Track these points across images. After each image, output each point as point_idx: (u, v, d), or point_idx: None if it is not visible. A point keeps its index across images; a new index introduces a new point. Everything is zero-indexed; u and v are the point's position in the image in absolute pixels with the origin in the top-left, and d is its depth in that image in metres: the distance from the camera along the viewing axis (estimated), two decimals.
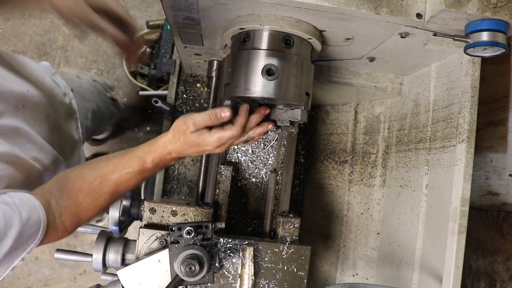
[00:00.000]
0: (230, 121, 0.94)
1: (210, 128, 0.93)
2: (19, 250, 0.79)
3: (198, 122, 0.91)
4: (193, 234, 0.91)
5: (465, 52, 0.88)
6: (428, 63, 1.15)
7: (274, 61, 0.92)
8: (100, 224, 1.25)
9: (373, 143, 1.47)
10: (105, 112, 1.69)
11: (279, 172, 1.14)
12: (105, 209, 1.02)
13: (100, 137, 2.25)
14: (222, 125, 0.94)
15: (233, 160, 1.18)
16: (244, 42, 0.96)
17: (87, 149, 2.29)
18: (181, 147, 0.94)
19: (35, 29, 2.33)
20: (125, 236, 1.19)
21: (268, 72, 0.91)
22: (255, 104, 1.00)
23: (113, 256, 0.99)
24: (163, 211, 1.01)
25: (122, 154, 0.95)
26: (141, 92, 2.06)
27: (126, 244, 1.01)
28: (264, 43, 0.94)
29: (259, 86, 0.92)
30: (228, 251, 0.98)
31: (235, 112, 0.94)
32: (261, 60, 0.92)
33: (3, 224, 0.73)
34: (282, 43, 0.93)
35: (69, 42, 2.33)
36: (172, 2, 0.87)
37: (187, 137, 0.92)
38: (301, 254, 1.00)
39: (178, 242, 0.91)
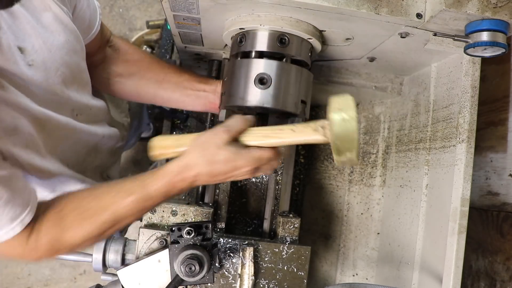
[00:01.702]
0: None
1: None
2: None
3: (233, 129, 0.77)
4: (193, 234, 0.91)
5: (465, 52, 0.88)
6: (428, 63, 1.15)
7: (267, 69, 0.91)
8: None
9: (373, 143, 1.47)
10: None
11: (279, 172, 1.14)
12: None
13: (144, 135, 2.21)
14: None
15: None
16: (240, 42, 0.96)
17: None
18: (204, 171, 0.76)
19: None
20: (125, 236, 1.19)
21: (260, 81, 0.90)
22: (251, 113, 0.99)
23: (113, 256, 0.99)
24: (163, 211, 1.01)
25: (126, 179, 0.82)
26: None
27: (126, 244, 1.01)
28: (259, 43, 0.93)
29: (253, 95, 0.91)
30: (228, 251, 0.98)
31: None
32: (254, 68, 0.92)
33: None
34: (277, 43, 0.92)
35: None
36: (172, 2, 0.87)
37: (219, 152, 0.75)
38: (301, 254, 1.00)
39: (178, 242, 0.91)
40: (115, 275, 0.97)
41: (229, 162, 0.76)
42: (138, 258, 0.97)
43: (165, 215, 1.01)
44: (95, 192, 0.82)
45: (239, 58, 0.96)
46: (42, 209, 0.79)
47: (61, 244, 0.79)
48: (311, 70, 1.00)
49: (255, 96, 0.91)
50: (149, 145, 0.84)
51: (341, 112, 0.71)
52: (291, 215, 1.08)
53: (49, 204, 0.81)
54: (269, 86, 0.90)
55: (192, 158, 0.77)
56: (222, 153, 0.75)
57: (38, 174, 0.85)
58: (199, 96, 1.07)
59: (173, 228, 0.92)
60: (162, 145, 0.84)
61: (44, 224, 0.77)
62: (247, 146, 0.78)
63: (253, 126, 0.81)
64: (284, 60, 0.93)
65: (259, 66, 0.91)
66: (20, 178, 0.77)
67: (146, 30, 2.14)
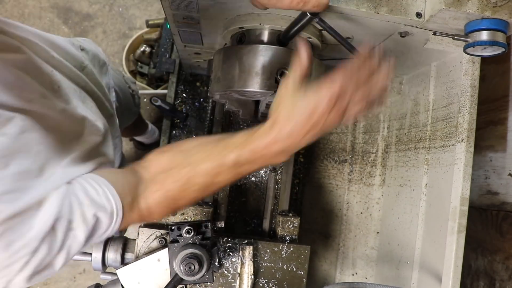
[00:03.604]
0: None
1: None
2: (94, 234, 0.70)
3: (293, 75, 0.72)
4: (192, 233, 0.91)
5: (464, 51, 0.88)
6: (427, 62, 1.15)
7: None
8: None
9: (372, 143, 1.47)
10: (125, 100, 1.51)
11: (279, 171, 1.14)
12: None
13: (147, 141, 2.22)
14: None
15: None
16: (240, 41, 0.96)
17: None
18: (288, 125, 0.70)
19: (34, 28, 2.32)
20: (124, 235, 1.19)
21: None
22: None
23: (113, 255, 0.99)
24: None
25: (217, 142, 0.79)
26: (140, 91, 2.05)
27: (126, 243, 1.01)
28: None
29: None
30: (228, 250, 0.98)
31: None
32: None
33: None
34: (277, 42, 0.92)
35: None
36: (172, 1, 0.87)
37: (292, 100, 0.70)
38: (301, 253, 1.00)
39: (177, 241, 0.91)
40: (115, 274, 0.97)
41: (306, 102, 0.69)
42: (137, 257, 0.97)
43: None
44: (189, 159, 0.79)
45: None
46: (142, 180, 0.78)
47: (173, 209, 0.82)
48: None
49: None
50: None
51: None
52: (290, 214, 1.08)
53: (148, 171, 0.79)
54: None
55: (273, 117, 0.73)
56: (295, 97, 0.71)
57: None
58: None
59: (173, 227, 0.92)
60: None
61: (151, 201, 0.77)
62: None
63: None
64: None
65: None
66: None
67: (146, 29, 2.14)
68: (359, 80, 0.70)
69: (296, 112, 0.70)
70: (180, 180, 0.77)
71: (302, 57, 0.72)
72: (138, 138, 2.18)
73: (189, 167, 0.77)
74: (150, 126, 2.11)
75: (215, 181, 0.78)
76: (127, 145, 2.27)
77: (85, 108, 0.91)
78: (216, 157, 0.76)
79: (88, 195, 0.68)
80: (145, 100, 2.22)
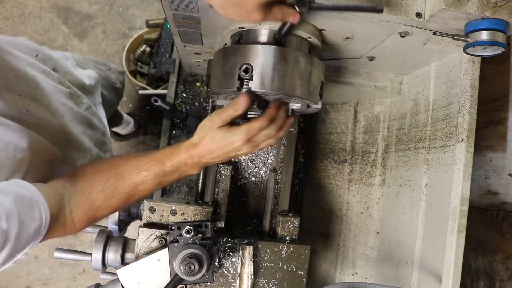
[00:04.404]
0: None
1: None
2: (19, 250, 0.75)
3: (224, 114, 0.86)
4: (192, 233, 0.91)
5: (464, 51, 0.88)
6: (427, 62, 1.15)
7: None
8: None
9: (372, 143, 1.47)
10: (108, 97, 1.51)
11: (279, 171, 1.14)
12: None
13: (123, 132, 2.21)
14: None
15: (232, 160, 1.18)
16: (239, 41, 0.95)
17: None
18: (206, 149, 0.87)
19: (34, 28, 2.32)
20: (124, 235, 1.19)
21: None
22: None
23: (113, 255, 0.99)
24: (163, 210, 1.01)
25: (142, 155, 0.91)
26: (140, 91, 2.05)
27: (126, 243, 1.01)
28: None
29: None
30: (228, 250, 0.98)
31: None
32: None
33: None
34: (273, 42, 0.92)
35: (68, 41, 2.33)
36: (172, 1, 0.87)
37: (214, 134, 0.87)
38: (301, 253, 1.00)
39: (177, 241, 0.91)
40: (115, 274, 0.97)
41: (224, 139, 0.86)
42: (137, 257, 0.97)
43: (164, 214, 1.00)
44: (115, 170, 0.89)
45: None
46: (68, 191, 0.84)
47: (95, 219, 0.90)
48: None
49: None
50: None
51: None
52: (290, 214, 1.08)
53: (73, 183, 0.86)
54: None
55: (195, 139, 0.89)
56: (217, 134, 0.87)
57: None
58: None
59: (173, 227, 0.92)
60: None
61: (77, 210, 0.85)
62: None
63: (276, 107, 0.89)
64: None
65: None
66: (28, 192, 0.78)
67: (146, 29, 2.14)
68: (270, 132, 0.88)
69: (217, 140, 0.86)
70: (106, 189, 0.86)
71: (240, 105, 0.85)
72: (113, 129, 2.17)
73: (115, 178, 0.87)
74: (126, 117, 2.10)
75: (138, 191, 0.89)
76: None
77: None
78: (141, 169, 0.87)
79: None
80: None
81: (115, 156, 0.96)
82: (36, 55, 1.10)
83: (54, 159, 0.96)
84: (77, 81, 1.21)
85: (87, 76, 1.27)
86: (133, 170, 0.88)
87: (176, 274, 0.89)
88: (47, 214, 0.78)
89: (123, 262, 1.00)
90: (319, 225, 1.51)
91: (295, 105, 0.98)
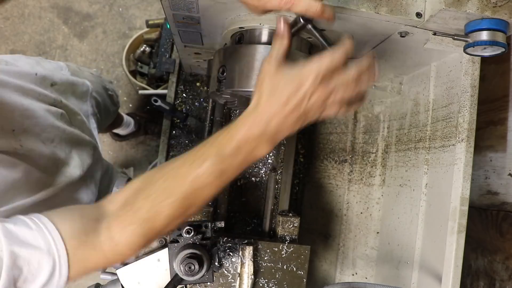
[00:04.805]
0: None
1: None
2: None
3: (273, 54, 0.68)
4: (192, 233, 0.91)
5: (464, 51, 0.88)
6: (427, 62, 1.15)
7: None
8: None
9: (372, 143, 1.47)
10: (104, 105, 1.48)
11: (279, 171, 1.14)
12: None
13: (123, 132, 2.21)
14: None
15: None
16: (239, 41, 0.96)
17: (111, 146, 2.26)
18: (271, 103, 0.65)
19: (34, 28, 2.32)
20: None
21: None
22: None
23: None
24: None
25: (198, 146, 0.70)
26: (140, 91, 2.05)
27: None
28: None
29: None
30: (228, 250, 0.98)
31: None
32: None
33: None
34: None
35: (68, 41, 2.33)
36: (172, 1, 0.87)
37: (274, 78, 0.66)
38: (301, 253, 1.00)
39: (177, 241, 0.91)
40: (115, 274, 0.97)
41: (290, 77, 0.65)
42: (137, 257, 0.97)
43: None
44: (162, 171, 0.70)
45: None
46: (102, 210, 0.69)
47: (146, 236, 0.68)
48: None
49: None
50: None
51: None
52: (290, 214, 1.08)
53: (111, 200, 0.71)
54: None
55: (254, 100, 0.68)
56: (278, 75, 0.66)
57: None
58: None
59: None
60: None
61: (115, 228, 0.67)
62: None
63: (351, 42, 0.68)
64: None
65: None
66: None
67: (146, 29, 2.14)
68: (348, 77, 0.66)
69: (280, 87, 0.65)
70: (153, 194, 0.67)
71: (281, 33, 0.69)
72: (114, 130, 2.18)
73: (163, 178, 0.68)
74: (126, 118, 2.11)
75: (195, 190, 0.68)
76: (104, 137, 2.24)
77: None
78: (194, 160, 0.68)
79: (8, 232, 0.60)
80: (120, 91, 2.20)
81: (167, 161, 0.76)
82: (36, 74, 1.03)
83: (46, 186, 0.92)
84: (74, 90, 1.21)
85: (82, 85, 1.27)
86: (183, 164, 0.68)
87: (176, 274, 0.89)
88: (62, 252, 0.65)
89: (123, 262, 1.00)
90: (319, 225, 1.51)
91: None
